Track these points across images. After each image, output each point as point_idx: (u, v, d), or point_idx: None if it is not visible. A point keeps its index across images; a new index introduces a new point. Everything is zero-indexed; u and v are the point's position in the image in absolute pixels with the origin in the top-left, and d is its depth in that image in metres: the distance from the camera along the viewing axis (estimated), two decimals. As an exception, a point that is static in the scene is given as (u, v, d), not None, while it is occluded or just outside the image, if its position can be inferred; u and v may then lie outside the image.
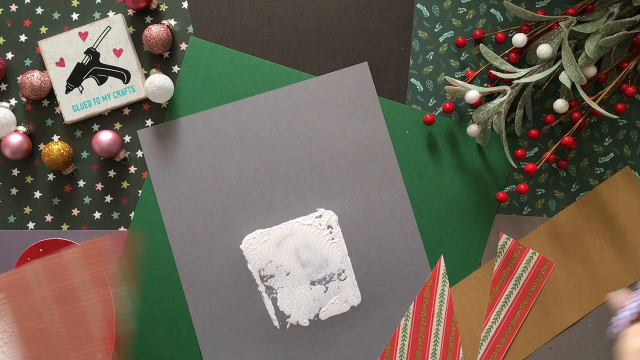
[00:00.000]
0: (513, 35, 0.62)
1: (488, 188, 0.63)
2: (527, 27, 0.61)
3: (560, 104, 0.59)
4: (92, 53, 0.63)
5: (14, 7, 0.64)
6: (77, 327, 0.52)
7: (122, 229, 0.63)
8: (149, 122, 0.64)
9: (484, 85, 0.63)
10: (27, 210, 0.63)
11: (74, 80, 0.63)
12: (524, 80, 0.58)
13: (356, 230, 0.62)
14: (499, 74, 0.59)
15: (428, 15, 0.64)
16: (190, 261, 0.62)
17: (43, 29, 0.64)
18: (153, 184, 0.63)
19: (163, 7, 0.64)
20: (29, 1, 0.64)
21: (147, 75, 0.63)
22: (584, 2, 0.60)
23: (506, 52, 0.61)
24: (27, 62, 0.64)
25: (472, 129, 0.60)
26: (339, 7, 0.64)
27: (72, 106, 0.63)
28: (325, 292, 0.62)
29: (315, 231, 0.62)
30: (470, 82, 0.62)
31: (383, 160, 0.62)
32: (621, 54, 0.60)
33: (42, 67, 0.64)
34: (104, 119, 0.64)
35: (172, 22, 0.64)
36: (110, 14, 0.64)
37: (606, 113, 0.56)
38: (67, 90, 0.63)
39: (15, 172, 0.64)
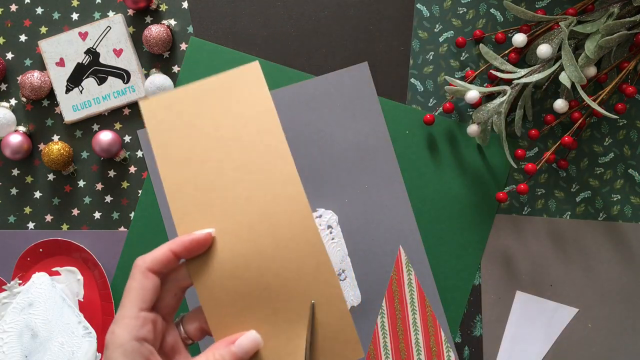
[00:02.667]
0: (513, 35, 0.62)
1: (488, 188, 0.63)
2: (527, 27, 0.61)
3: (560, 104, 0.59)
4: (92, 53, 0.63)
5: (14, 7, 0.64)
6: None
7: (122, 229, 0.63)
8: (149, 122, 0.64)
9: (484, 85, 0.63)
10: (27, 210, 0.63)
11: (74, 80, 0.63)
12: (524, 80, 0.58)
13: (356, 230, 0.62)
14: (499, 74, 0.59)
15: (428, 15, 0.64)
16: (190, 261, 0.62)
17: (43, 29, 0.64)
18: (153, 184, 0.63)
19: (163, 7, 0.64)
20: (29, 1, 0.64)
21: (147, 75, 0.63)
22: (584, 2, 0.60)
23: (506, 52, 0.61)
24: (27, 62, 0.64)
25: (472, 129, 0.60)
26: (339, 7, 0.64)
27: (72, 106, 0.63)
28: (325, 292, 0.62)
29: (315, 231, 0.62)
30: (470, 82, 0.62)
31: (383, 160, 0.62)
32: (621, 54, 0.60)
33: (42, 67, 0.64)
34: (104, 119, 0.64)
35: (172, 22, 0.64)
36: (110, 14, 0.64)
37: (606, 113, 0.56)
38: (67, 90, 0.63)
39: (15, 172, 0.64)
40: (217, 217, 0.40)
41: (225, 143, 0.41)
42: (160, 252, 0.39)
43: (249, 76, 0.42)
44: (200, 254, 0.40)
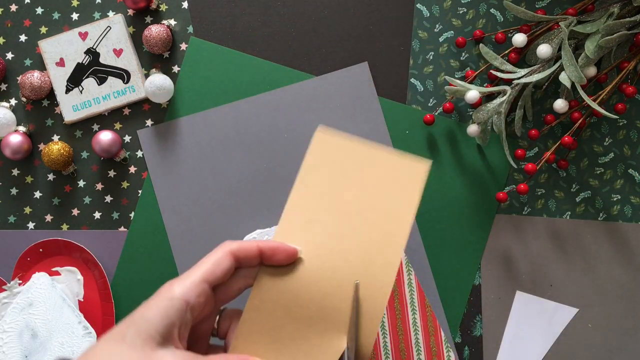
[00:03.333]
0: (513, 35, 0.62)
1: (488, 188, 0.63)
2: (527, 27, 0.61)
3: (560, 104, 0.59)
4: (92, 53, 0.63)
5: (14, 7, 0.64)
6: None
7: (122, 229, 0.63)
8: (149, 122, 0.64)
9: (484, 85, 0.63)
10: (27, 210, 0.63)
11: (74, 80, 0.63)
12: (524, 80, 0.58)
13: (356, 230, 0.62)
14: (499, 74, 0.59)
15: (428, 15, 0.64)
16: (190, 261, 0.62)
17: (43, 29, 0.64)
18: (153, 184, 0.63)
19: (163, 7, 0.64)
20: (29, 1, 0.64)
21: (147, 75, 0.63)
22: (584, 2, 0.60)
23: (506, 52, 0.61)
24: (27, 62, 0.64)
25: (472, 129, 0.60)
26: (339, 7, 0.64)
27: (72, 106, 0.63)
28: (325, 292, 0.62)
29: (315, 231, 0.62)
30: (470, 82, 0.62)
31: (383, 160, 0.62)
32: (621, 54, 0.60)
33: (42, 67, 0.64)
34: (104, 119, 0.64)
35: (172, 22, 0.64)
36: (110, 14, 0.64)
37: (606, 113, 0.56)
38: (67, 90, 0.63)
39: (15, 172, 0.64)
40: (310, 252, 0.42)
41: (358, 204, 0.43)
42: (248, 244, 0.41)
43: (415, 170, 0.44)
44: (278, 264, 0.41)
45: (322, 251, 0.42)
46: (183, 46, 0.64)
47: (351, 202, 0.43)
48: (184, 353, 0.37)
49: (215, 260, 0.40)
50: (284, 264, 0.41)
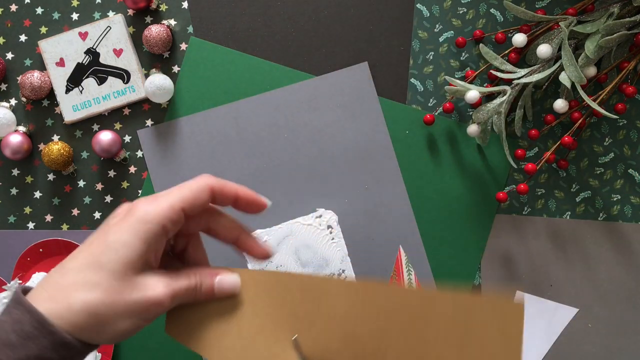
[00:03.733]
0: (513, 35, 0.62)
1: (488, 188, 0.63)
2: (527, 27, 0.61)
3: (560, 104, 0.59)
4: (92, 53, 0.63)
5: (14, 7, 0.64)
6: None
7: (122, 229, 0.63)
8: (149, 122, 0.64)
9: (484, 85, 0.63)
10: (27, 210, 0.63)
11: (74, 80, 0.63)
12: (524, 80, 0.58)
13: (356, 230, 0.62)
14: (499, 74, 0.59)
15: (428, 15, 0.64)
16: (190, 261, 0.62)
17: (43, 29, 0.64)
18: (153, 184, 0.63)
19: (163, 7, 0.64)
20: (29, 1, 0.64)
21: (147, 75, 0.63)
22: (584, 2, 0.60)
23: (506, 52, 0.61)
24: (27, 62, 0.64)
25: (472, 129, 0.60)
26: (339, 7, 0.64)
27: (72, 106, 0.63)
28: (325, 292, 0.62)
29: (315, 231, 0.62)
30: (470, 82, 0.62)
31: (383, 160, 0.62)
32: (621, 54, 0.60)
33: (42, 67, 0.64)
34: (104, 119, 0.64)
35: (172, 22, 0.64)
36: (110, 14, 0.64)
37: (606, 113, 0.56)
38: (67, 90, 0.63)
39: (15, 172, 0.64)
40: (360, 323, 0.37)
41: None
42: (229, 187, 0.39)
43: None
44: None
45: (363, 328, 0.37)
46: (183, 46, 0.64)
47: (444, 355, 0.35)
48: (166, 274, 0.37)
49: (196, 190, 0.38)
50: (252, 213, 0.41)
